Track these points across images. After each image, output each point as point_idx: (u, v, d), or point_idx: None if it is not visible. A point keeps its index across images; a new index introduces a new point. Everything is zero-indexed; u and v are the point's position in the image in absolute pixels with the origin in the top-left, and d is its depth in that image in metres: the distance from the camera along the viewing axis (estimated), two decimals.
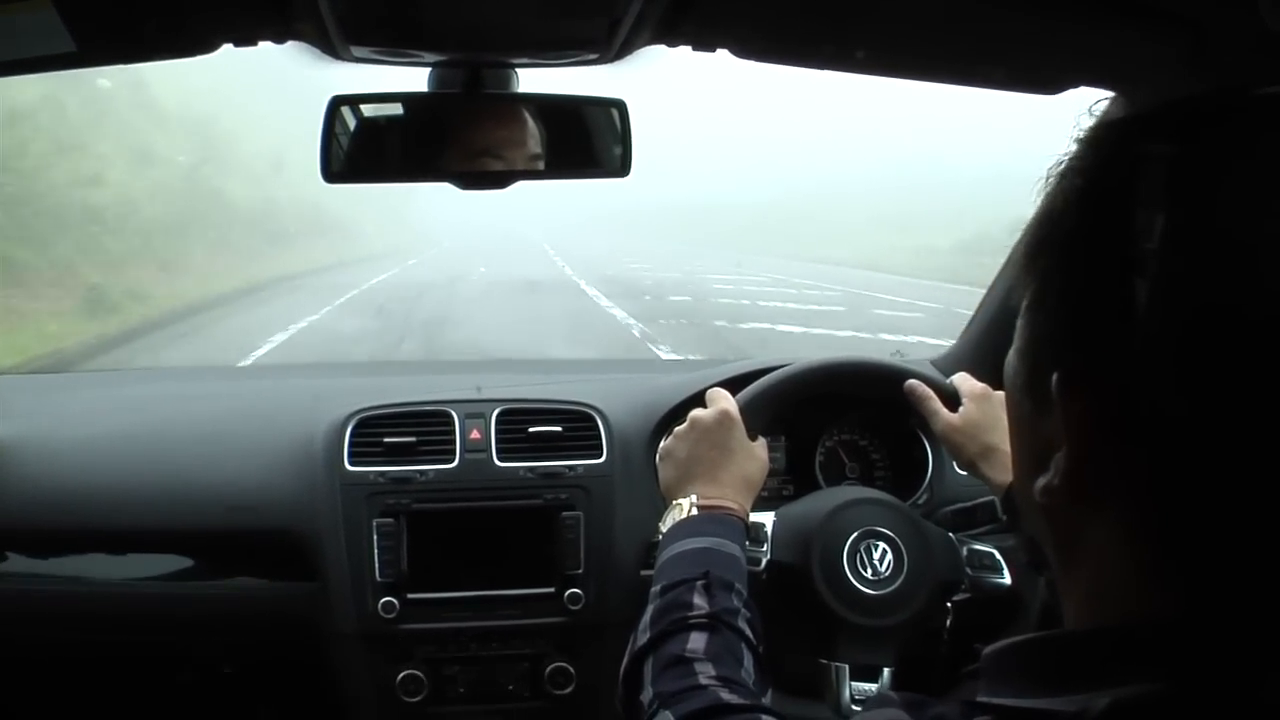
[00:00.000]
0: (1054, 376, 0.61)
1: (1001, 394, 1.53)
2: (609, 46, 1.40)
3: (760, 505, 1.51)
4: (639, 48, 1.42)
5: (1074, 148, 0.64)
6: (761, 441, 1.51)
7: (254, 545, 1.92)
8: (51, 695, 2.16)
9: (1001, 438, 1.48)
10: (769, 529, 1.58)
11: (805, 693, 1.57)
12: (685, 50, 1.43)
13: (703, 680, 1.13)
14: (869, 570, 1.54)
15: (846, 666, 1.53)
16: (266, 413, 2.12)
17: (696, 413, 1.49)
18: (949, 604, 1.58)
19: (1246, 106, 0.60)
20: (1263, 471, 0.54)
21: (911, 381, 1.61)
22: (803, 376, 1.64)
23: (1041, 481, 0.63)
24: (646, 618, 1.25)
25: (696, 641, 1.19)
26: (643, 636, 1.23)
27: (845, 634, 1.53)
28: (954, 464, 1.89)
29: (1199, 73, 1.20)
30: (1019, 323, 0.68)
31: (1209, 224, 0.55)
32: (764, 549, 1.57)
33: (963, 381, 1.61)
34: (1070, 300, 0.62)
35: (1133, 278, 0.56)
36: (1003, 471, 1.48)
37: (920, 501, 1.93)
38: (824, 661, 1.54)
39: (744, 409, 1.51)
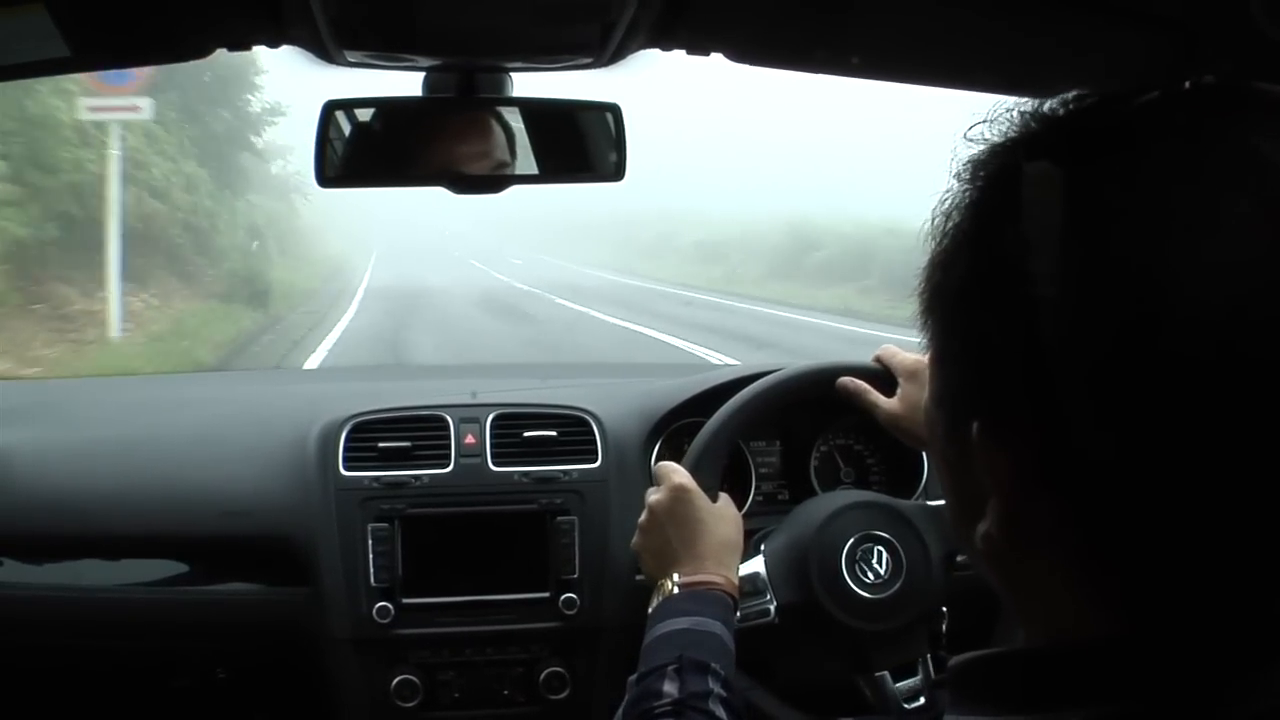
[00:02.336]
0: (974, 427, 0.58)
1: None
2: (603, 50, 1.40)
3: (754, 513, 1.50)
4: (633, 52, 1.42)
5: (954, 184, 0.60)
6: (724, 499, 1.48)
7: (248, 550, 1.92)
8: (46, 701, 2.15)
9: None
10: (764, 574, 1.56)
11: (855, 711, 1.56)
12: (680, 54, 1.42)
13: None
14: (870, 575, 1.53)
15: (887, 674, 1.53)
16: (261, 418, 2.12)
17: (652, 499, 1.45)
18: (944, 609, 1.58)
19: (1130, 118, 0.56)
20: (1195, 497, 0.51)
21: (840, 380, 1.57)
22: (742, 412, 1.61)
23: (981, 528, 0.60)
24: (621, 710, 1.26)
25: None
26: None
27: (871, 644, 1.53)
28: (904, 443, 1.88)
29: (1192, 76, 1.20)
30: (928, 372, 0.65)
31: (1107, 253, 0.52)
32: (767, 597, 1.54)
33: (891, 357, 1.55)
34: (974, 349, 0.58)
35: (1036, 319, 0.53)
36: None
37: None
38: (865, 676, 1.54)
39: (696, 475, 1.47)
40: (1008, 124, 0.60)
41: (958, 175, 0.60)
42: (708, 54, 1.42)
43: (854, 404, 1.56)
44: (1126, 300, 0.51)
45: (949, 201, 0.60)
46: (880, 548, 1.54)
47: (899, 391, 1.51)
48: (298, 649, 1.89)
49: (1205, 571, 0.53)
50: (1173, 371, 0.50)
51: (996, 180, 0.58)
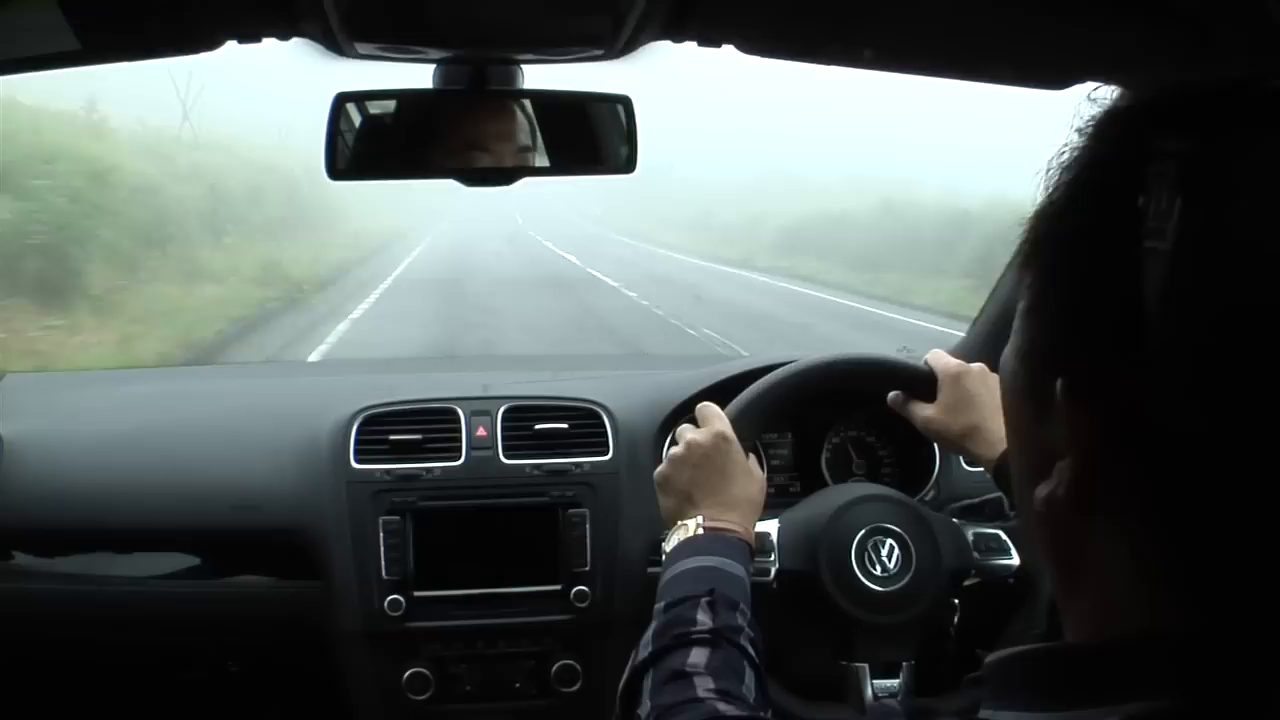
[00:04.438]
0: (1058, 383, 0.58)
1: (979, 367, 1.52)
2: (614, 42, 1.40)
3: (766, 504, 1.50)
4: (644, 43, 1.42)
5: (1075, 138, 0.60)
6: (753, 459, 1.49)
7: (260, 543, 1.92)
8: (58, 694, 2.16)
9: (983, 414, 1.48)
10: (774, 537, 1.57)
11: (826, 696, 1.56)
12: (691, 46, 1.42)
13: (700, 693, 1.12)
14: (878, 568, 1.53)
15: (866, 666, 1.53)
16: (272, 411, 2.13)
17: (690, 435, 1.45)
18: (955, 600, 1.58)
19: (1261, 99, 0.56)
20: (1273, 483, 0.51)
21: (890, 397, 1.62)
22: (797, 379, 1.62)
23: (1044, 490, 0.60)
24: (649, 633, 1.24)
25: (698, 656, 1.17)
26: (644, 651, 1.22)
27: (861, 634, 1.53)
28: (960, 460, 1.89)
29: (1205, 69, 1.19)
30: (1016, 323, 0.64)
31: (1227, 225, 0.52)
32: (771, 558, 1.56)
33: (937, 360, 1.58)
34: (1074, 302, 0.58)
35: (1142, 281, 0.52)
36: (988, 447, 1.47)
37: (927, 498, 1.92)
38: (844, 663, 1.54)
39: (736, 423, 1.48)
40: (1135, 90, 0.60)
41: (1079, 130, 0.60)
42: (719, 45, 1.42)
43: (902, 414, 1.61)
44: (1240, 275, 0.51)
45: (1066, 155, 0.60)
46: (891, 541, 1.54)
47: (940, 395, 1.55)
48: (309, 642, 1.89)
49: (1270, 564, 0.53)
50: (1273, 354, 0.50)
51: (1120, 141, 0.58)
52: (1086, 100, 0.61)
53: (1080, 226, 0.58)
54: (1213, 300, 0.51)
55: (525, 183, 1.64)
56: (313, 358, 10.13)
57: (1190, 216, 0.52)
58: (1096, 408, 0.56)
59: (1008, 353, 0.66)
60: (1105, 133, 0.59)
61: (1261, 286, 0.51)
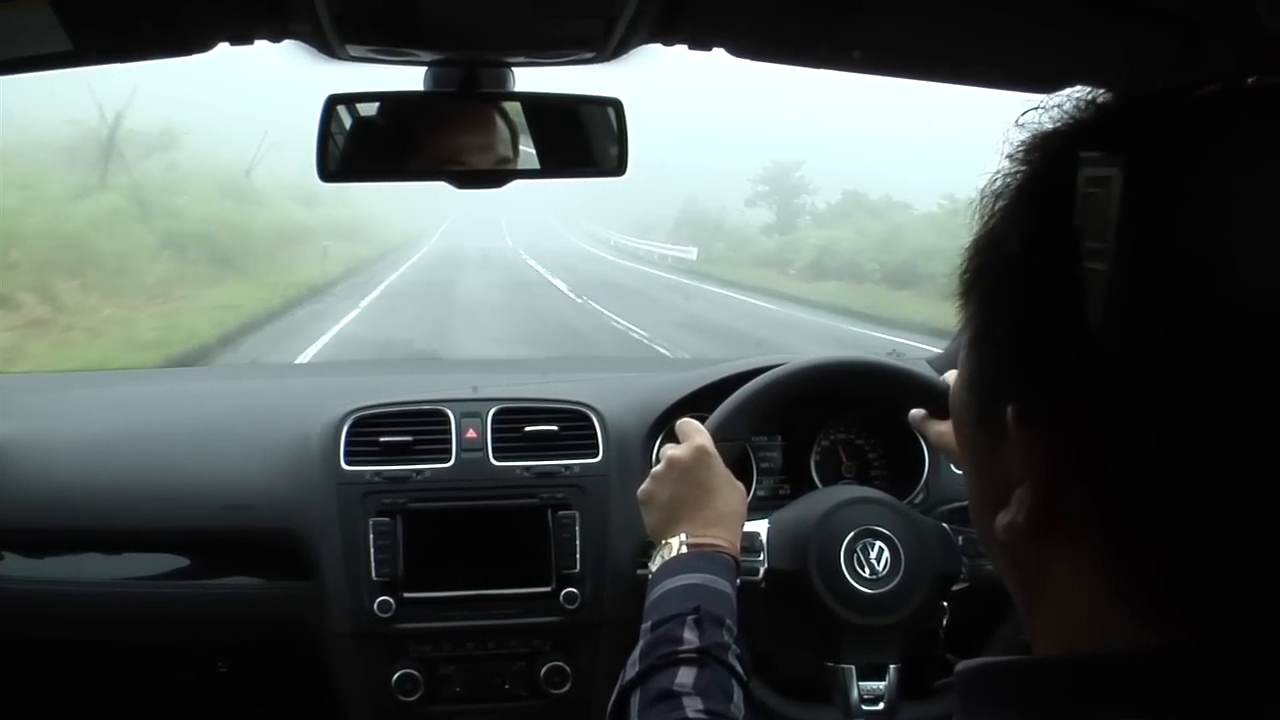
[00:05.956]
0: (1009, 411, 0.57)
1: None
2: (605, 45, 1.40)
3: (756, 507, 1.50)
4: (635, 47, 1.42)
5: (1007, 164, 0.60)
6: (741, 469, 1.50)
7: (250, 544, 1.92)
8: (48, 694, 2.16)
9: None
10: (764, 537, 1.58)
11: (811, 696, 1.57)
12: (681, 49, 1.42)
13: (690, 714, 1.13)
14: (867, 570, 1.53)
15: (853, 667, 1.53)
16: (262, 412, 2.12)
17: (672, 452, 1.46)
18: (944, 604, 1.58)
19: (1189, 108, 0.55)
20: (1242, 493, 0.50)
21: (911, 414, 1.64)
22: (778, 384, 1.63)
23: (1004, 519, 0.59)
24: (636, 652, 1.25)
25: (685, 676, 1.18)
26: (631, 670, 1.23)
27: (848, 635, 1.53)
28: (950, 464, 1.90)
29: (1195, 71, 1.20)
30: (962, 354, 0.64)
31: (1164, 237, 0.52)
32: (760, 558, 1.56)
33: (953, 378, 1.60)
34: (1018, 330, 0.58)
35: (1084, 302, 0.52)
36: None
37: (917, 500, 1.93)
38: (830, 664, 1.54)
39: (717, 436, 1.49)
40: (1062, 110, 0.59)
41: (1010, 156, 0.60)
42: (709, 49, 1.42)
43: (917, 428, 1.65)
44: (1180, 286, 0.51)
45: (999, 182, 0.60)
46: (881, 543, 1.54)
47: None
48: (299, 643, 1.89)
49: (1245, 576, 0.52)
50: (1222, 361, 0.50)
51: (1052, 163, 0.58)
52: (1015, 126, 0.61)
53: (1018, 252, 0.58)
54: (1155, 313, 0.51)
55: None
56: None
57: (1126, 233, 0.52)
58: (1048, 433, 0.55)
59: (957, 383, 0.66)
60: (1037, 156, 0.59)
61: (1203, 294, 0.50)
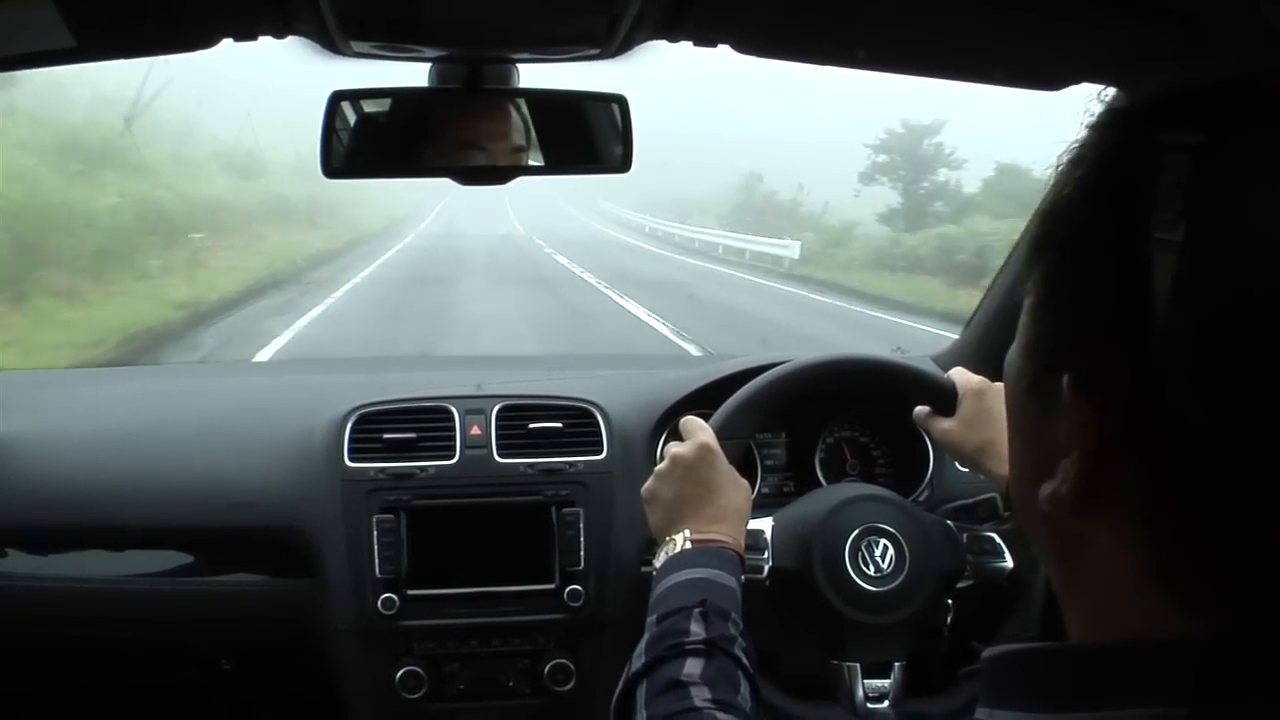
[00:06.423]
0: (1064, 380, 0.58)
1: (1000, 386, 1.53)
2: (610, 42, 1.40)
3: (760, 504, 1.50)
4: (640, 43, 1.42)
5: (1085, 134, 0.61)
6: (747, 462, 1.49)
7: (254, 541, 1.92)
8: (52, 692, 2.16)
9: (999, 430, 1.48)
10: (768, 535, 1.58)
11: (816, 694, 1.57)
12: (686, 45, 1.42)
13: (698, 703, 1.12)
14: (871, 567, 1.53)
15: (858, 665, 1.53)
16: (266, 409, 2.12)
17: (676, 450, 1.46)
18: (949, 601, 1.58)
19: (1264, 97, 0.56)
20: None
21: (915, 412, 1.63)
22: (782, 382, 1.62)
23: (1048, 489, 0.59)
24: (642, 644, 1.25)
25: (693, 667, 1.18)
26: (637, 662, 1.22)
27: (853, 633, 1.53)
28: (955, 461, 1.90)
29: (1199, 69, 1.20)
30: (1022, 320, 0.64)
31: (1236, 216, 0.53)
32: (764, 555, 1.56)
33: (959, 375, 1.61)
34: (1081, 298, 0.58)
35: (1150, 276, 0.53)
36: (1003, 463, 1.47)
37: (921, 498, 1.93)
38: (835, 662, 1.54)
39: (721, 434, 1.49)
40: (1146, 90, 0.60)
41: (1090, 126, 0.61)
42: (714, 45, 1.42)
43: (921, 427, 1.64)
44: (1248, 265, 0.52)
45: (1075, 152, 0.61)
46: (885, 541, 1.54)
47: (959, 410, 1.57)
48: (303, 640, 1.89)
49: (1273, 562, 0.52)
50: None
51: (1131, 138, 0.58)
52: (1096, 99, 0.61)
53: (1089, 221, 0.58)
54: (1222, 290, 0.52)
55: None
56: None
57: (1199, 209, 0.53)
58: (1103, 403, 0.56)
59: (1014, 350, 0.66)
60: (1115, 129, 0.60)
61: (1270, 275, 0.51)
